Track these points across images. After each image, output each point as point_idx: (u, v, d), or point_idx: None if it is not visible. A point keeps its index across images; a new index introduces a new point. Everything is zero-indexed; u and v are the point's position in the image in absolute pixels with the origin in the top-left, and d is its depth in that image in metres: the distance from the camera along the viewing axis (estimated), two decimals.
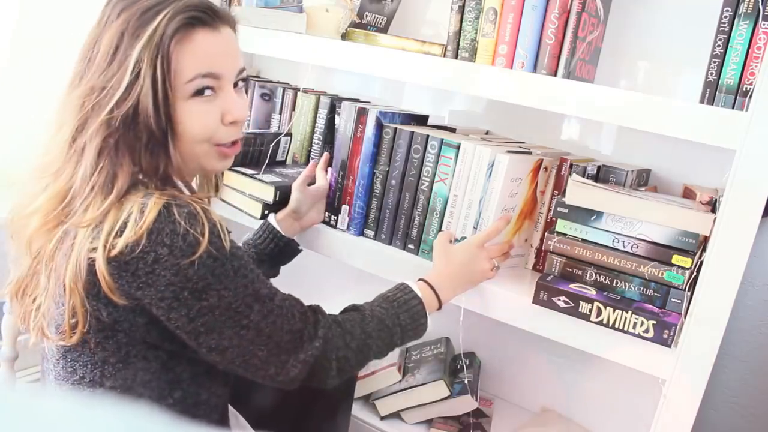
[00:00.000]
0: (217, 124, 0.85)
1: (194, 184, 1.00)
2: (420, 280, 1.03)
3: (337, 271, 1.70)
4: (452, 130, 1.31)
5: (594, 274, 1.04)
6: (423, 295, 0.99)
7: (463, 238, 1.13)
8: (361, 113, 1.22)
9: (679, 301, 0.99)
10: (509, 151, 1.11)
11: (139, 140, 0.79)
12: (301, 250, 1.25)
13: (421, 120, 1.32)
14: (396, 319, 0.95)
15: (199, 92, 0.82)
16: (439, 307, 1.02)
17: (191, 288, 0.75)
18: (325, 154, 1.30)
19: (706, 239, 0.99)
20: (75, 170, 0.78)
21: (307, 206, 1.22)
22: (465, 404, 1.32)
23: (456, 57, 1.20)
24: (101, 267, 0.73)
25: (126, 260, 0.74)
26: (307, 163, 1.47)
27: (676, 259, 0.99)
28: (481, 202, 1.11)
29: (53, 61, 1.53)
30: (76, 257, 0.75)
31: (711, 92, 1.02)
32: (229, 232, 0.80)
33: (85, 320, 0.77)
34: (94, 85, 0.78)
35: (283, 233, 1.18)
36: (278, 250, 1.19)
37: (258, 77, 1.67)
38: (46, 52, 1.51)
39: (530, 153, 1.19)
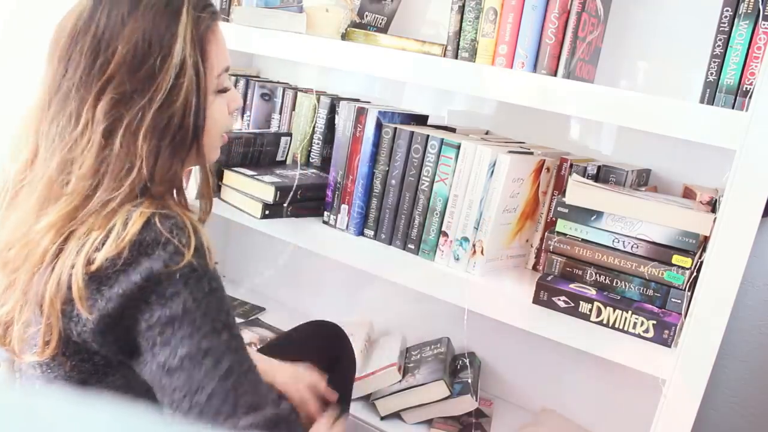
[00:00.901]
0: (227, 114, 0.87)
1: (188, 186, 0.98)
2: None
3: (337, 271, 1.70)
4: (452, 130, 1.31)
5: (594, 274, 1.04)
6: None
7: (464, 238, 1.13)
8: (361, 113, 1.22)
9: (679, 301, 0.99)
10: (510, 152, 1.11)
11: (165, 141, 0.76)
12: None
13: (420, 120, 1.32)
14: None
15: (223, 90, 0.84)
16: None
17: (159, 293, 0.70)
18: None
19: (706, 239, 0.99)
20: (96, 176, 0.74)
21: None
22: (465, 404, 1.32)
23: (456, 57, 1.20)
24: (78, 281, 0.69)
25: (106, 274, 0.69)
26: (306, 163, 1.47)
27: (676, 259, 0.99)
28: (482, 202, 1.11)
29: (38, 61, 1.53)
30: (60, 272, 0.71)
31: (711, 92, 1.02)
32: (215, 264, 0.76)
33: (59, 339, 0.72)
34: (128, 89, 0.74)
35: None
36: None
37: (258, 77, 1.67)
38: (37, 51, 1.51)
39: (531, 153, 1.19)
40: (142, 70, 0.74)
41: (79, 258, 0.70)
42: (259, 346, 1.21)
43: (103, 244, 0.70)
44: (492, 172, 1.10)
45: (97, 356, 0.75)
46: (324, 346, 1.15)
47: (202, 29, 0.78)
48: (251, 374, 0.73)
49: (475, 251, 1.13)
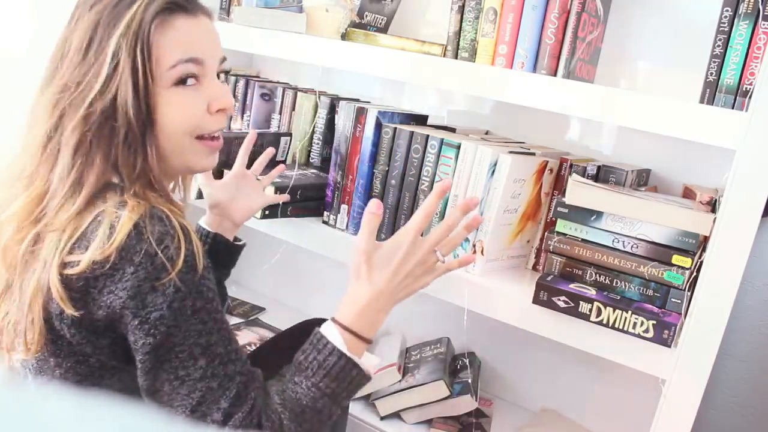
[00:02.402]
0: (203, 113, 0.82)
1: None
2: (334, 322, 0.85)
3: (337, 271, 1.70)
4: (452, 130, 1.31)
5: (594, 274, 1.04)
6: (344, 340, 0.82)
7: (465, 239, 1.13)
8: (360, 113, 1.22)
9: (679, 301, 0.99)
10: (512, 152, 1.11)
11: (117, 135, 0.75)
12: (242, 246, 1.16)
13: (420, 120, 1.32)
14: (317, 391, 0.79)
15: (181, 81, 0.78)
16: (369, 342, 0.85)
17: (143, 317, 0.71)
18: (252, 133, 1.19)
19: (706, 239, 0.99)
20: (51, 172, 0.75)
21: (225, 196, 1.10)
22: (465, 404, 1.32)
23: (456, 57, 1.20)
24: (55, 283, 0.70)
25: (93, 276, 0.70)
26: (306, 163, 1.47)
27: (676, 259, 0.99)
28: (482, 203, 1.11)
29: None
30: (39, 272, 0.72)
31: (711, 92, 1.02)
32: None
33: (41, 335, 0.73)
34: (68, 82, 0.75)
35: (211, 231, 1.10)
36: (215, 251, 1.10)
37: (258, 77, 1.67)
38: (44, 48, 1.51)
39: (533, 154, 1.19)
40: (82, 63, 0.75)
41: (54, 259, 0.70)
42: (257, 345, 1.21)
43: (87, 247, 0.70)
44: (493, 172, 1.10)
45: (92, 359, 0.75)
46: None
47: (149, 18, 0.75)
48: (224, 400, 0.74)
49: (475, 251, 1.13)
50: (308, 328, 1.12)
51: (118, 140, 0.75)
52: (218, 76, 0.85)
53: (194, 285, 0.73)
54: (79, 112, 0.74)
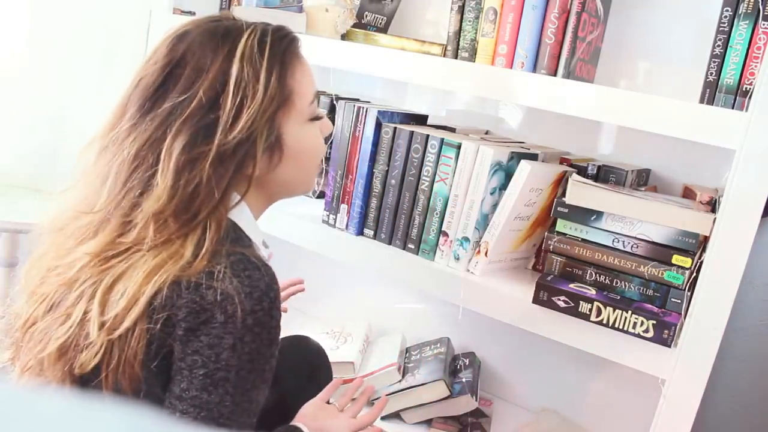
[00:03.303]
0: (322, 141, 0.87)
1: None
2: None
3: (337, 271, 1.70)
4: (452, 129, 1.31)
5: (594, 274, 1.04)
6: None
7: (465, 238, 1.13)
8: (360, 112, 1.22)
9: (679, 301, 0.99)
10: (531, 160, 1.09)
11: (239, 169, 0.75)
12: None
13: (420, 120, 1.32)
14: None
15: (317, 116, 0.83)
16: None
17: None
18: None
19: (706, 239, 0.99)
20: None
21: None
22: (465, 404, 1.32)
23: (456, 57, 1.20)
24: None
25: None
26: None
27: (676, 259, 0.99)
28: (482, 203, 1.10)
29: (58, 61, 1.54)
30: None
31: (711, 92, 1.02)
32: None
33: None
34: (195, 114, 0.73)
35: None
36: None
37: None
38: (50, 51, 1.52)
39: (558, 164, 1.17)
40: (216, 96, 0.73)
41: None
42: None
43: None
44: (495, 171, 1.10)
45: (142, 384, 0.74)
46: (302, 358, 1.16)
47: (289, 52, 0.79)
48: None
49: (479, 251, 1.13)
50: (288, 344, 1.14)
51: (240, 173, 0.75)
52: None
53: (272, 333, 0.73)
54: (212, 146, 0.72)
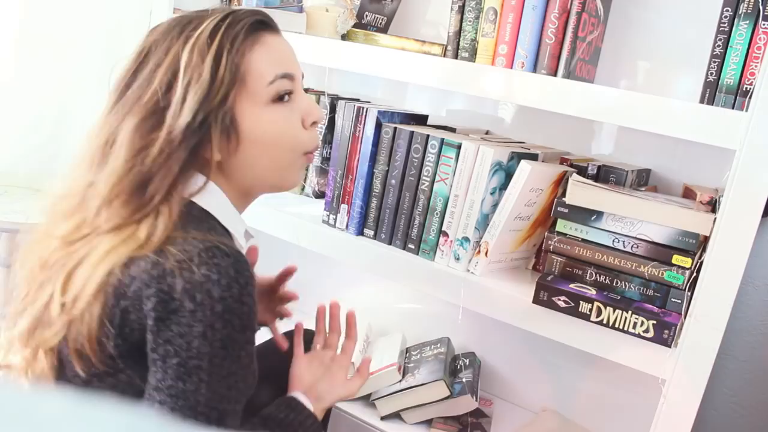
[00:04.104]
0: (299, 128, 0.83)
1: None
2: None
3: (336, 271, 1.70)
4: (452, 129, 1.31)
5: (594, 274, 1.04)
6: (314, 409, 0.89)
7: (465, 238, 1.13)
8: (360, 112, 1.22)
9: (679, 301, 0.99)
10: (531, 160, 1.09)
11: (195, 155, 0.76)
12: None
13: (420, 120, 1.32)
14: None
15: (279, 97, 0.80)
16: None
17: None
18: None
19: (706, 239, 0.99)
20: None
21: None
22: (465, 404, 1.31)
23: (456, 57, 1.20)
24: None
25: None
26: None
27: (676, 259, 0.99)
28: (482, 203, 1.11)
29: (58, 62, 1.54)
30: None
31: (711, 92, 1.02)
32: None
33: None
34: (155, 106, 0.74)
35: None
36: None
37: None
38: (50, 52, 1.51)
39: (558, 164, 1.17)
40: (170, 89, 0.75)
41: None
42: None
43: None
44: (495, 171, 1.10)
45: (122, 374, 0.74)
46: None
47: (242, 36, 0.77)
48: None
49: (479, 251, 1.13)
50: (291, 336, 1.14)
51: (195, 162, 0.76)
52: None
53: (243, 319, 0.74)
54: (164, 133, 0.73)
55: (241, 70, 0.77)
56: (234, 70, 0.76)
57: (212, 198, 0.78)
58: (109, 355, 0.71)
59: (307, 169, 1.45)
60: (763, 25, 0.97)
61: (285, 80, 0.80)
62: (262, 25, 0.81)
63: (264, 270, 1.84)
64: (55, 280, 0.72)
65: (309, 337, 1.18)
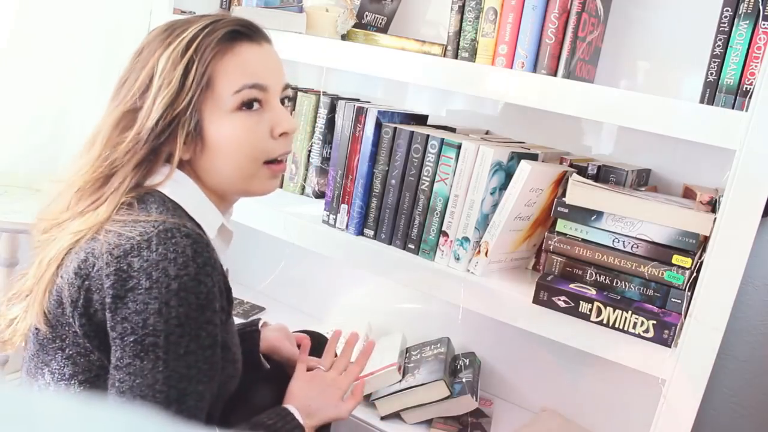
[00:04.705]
0: (266, 138, 0.84)
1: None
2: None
3: (336, 271, 1.70)
4: (452, 129, 1.31)
5: (594, 274, 1.04)
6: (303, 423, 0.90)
7: (465, 238, 1.13)
8: (360, 113, 1.22)
9: (679, 301, 0.99)
10: (532, 161, 1.09)
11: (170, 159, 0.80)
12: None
13: (420, 120, 1.32)
14: None
15: (246, 105, 0.81)
16: None
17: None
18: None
19: (706, 239, 0.99)
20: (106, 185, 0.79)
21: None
22: (465, 404, 1.31)
23: (456, 57, 1.20)
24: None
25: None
26: (307, 162, 1.47)
27: (676, 259, 0.99)
28: (482, 203, 1.11)
29: (58, 61, 1.54)
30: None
31: (711, 92, 1.02)
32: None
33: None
34: (131, 107, 0.79)
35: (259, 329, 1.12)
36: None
37: None
38: (50, 52, 1.51)
39: (558, 164, 1.17)
40: (145, 92, 0.80)
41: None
42: None
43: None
44: (495, 171, 1.10)
45: (93, 355, 0.76)
46: (313, 348, 1.16)
47: (213, 45, 0.79)
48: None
49: (479, 251, 1.13)
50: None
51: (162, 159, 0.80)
52: (282, 102, 0.87)
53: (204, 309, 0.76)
54: (133, 133, 0.78)
55: (209, 77, 0.79)
56: (201, 78, 0.79)
57: (180, 189, 0.81)
58: (77, 335, 0.75)
59: (307, 170, 1.45)
60: (763, 25, 0.97)
61: (254, 90, 0.81)
62: (239, 35, 0.82)
63: (262, 266, 1.85)
64: (32, 265, 0.79)
65: (314, 342, 1.18)
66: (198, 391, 0.72)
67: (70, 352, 0.76)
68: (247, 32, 0.83)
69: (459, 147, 1.12)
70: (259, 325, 1.12)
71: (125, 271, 0.70)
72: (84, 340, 0.74)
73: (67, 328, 0.76)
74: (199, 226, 0.81)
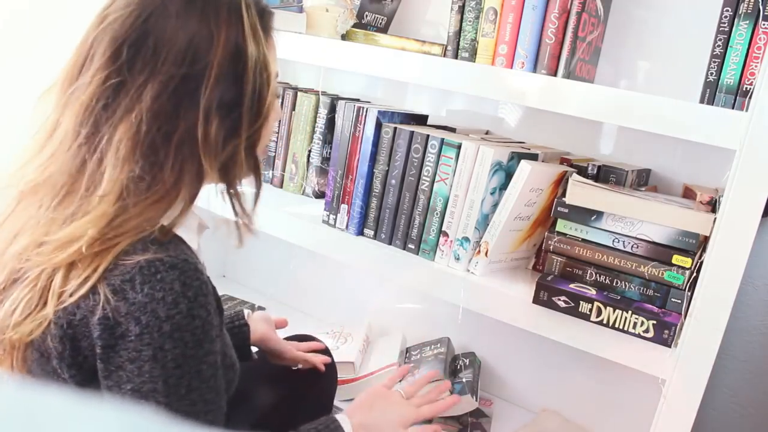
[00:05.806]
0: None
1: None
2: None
3: (337, 271, 1.70)
4: (452, 129, 1.31)
5: (594, 274, 1.04)
6: None
7: (465, 238, 1.13)
8: (360, 112, 1.22)
9: (679, 301, 0.99)
10: (532, 160, 1.09)
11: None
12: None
13: (420, 120, 1.32)
14: None
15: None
16: None
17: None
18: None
19: (706, 239, 0.99)
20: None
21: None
22: (465, 404, 1.31)
23: (456, 57, 1.20)
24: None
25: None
26: (307, 163, 1.47)
27: (676, 259, 0.99)
28: (482, 203, 1.10)
29: (58, 61, 1.53)
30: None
31: (711, 92, 1.02)
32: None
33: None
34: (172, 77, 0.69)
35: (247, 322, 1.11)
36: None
37: None
38: (50, 51, 1.51)
39: (558, 164, 1.17)
40: (189, 61, 0.70)
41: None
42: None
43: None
44: (495, 171, 1.10)
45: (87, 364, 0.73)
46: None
47: (267, 28, 0.77)
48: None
49: (479, 251, 1.13)
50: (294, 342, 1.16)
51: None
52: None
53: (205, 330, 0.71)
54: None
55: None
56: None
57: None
58: (66, 382, 0.68)
59: (307, 170, 1.45)
60: (763, 25, 0.97)
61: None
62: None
63: (262, 266, 1.85)
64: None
65: (308, 340, 1.19)
66: (208, 420, 0.69)
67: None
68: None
69: (459, 147, 1.12)
70: (246, 316, 1.12)
71: (111, 318, 0.64)
72: (78, 388, 0.69)
73: (54, 377, 0.69)
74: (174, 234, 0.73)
